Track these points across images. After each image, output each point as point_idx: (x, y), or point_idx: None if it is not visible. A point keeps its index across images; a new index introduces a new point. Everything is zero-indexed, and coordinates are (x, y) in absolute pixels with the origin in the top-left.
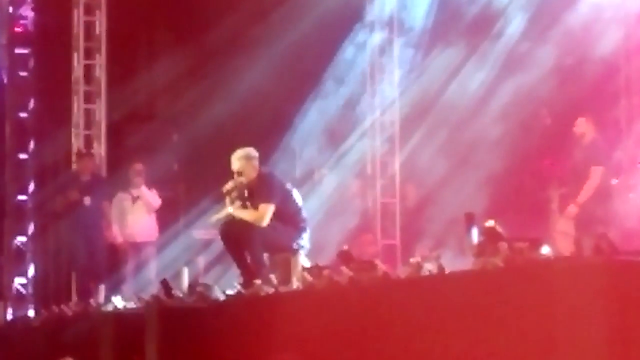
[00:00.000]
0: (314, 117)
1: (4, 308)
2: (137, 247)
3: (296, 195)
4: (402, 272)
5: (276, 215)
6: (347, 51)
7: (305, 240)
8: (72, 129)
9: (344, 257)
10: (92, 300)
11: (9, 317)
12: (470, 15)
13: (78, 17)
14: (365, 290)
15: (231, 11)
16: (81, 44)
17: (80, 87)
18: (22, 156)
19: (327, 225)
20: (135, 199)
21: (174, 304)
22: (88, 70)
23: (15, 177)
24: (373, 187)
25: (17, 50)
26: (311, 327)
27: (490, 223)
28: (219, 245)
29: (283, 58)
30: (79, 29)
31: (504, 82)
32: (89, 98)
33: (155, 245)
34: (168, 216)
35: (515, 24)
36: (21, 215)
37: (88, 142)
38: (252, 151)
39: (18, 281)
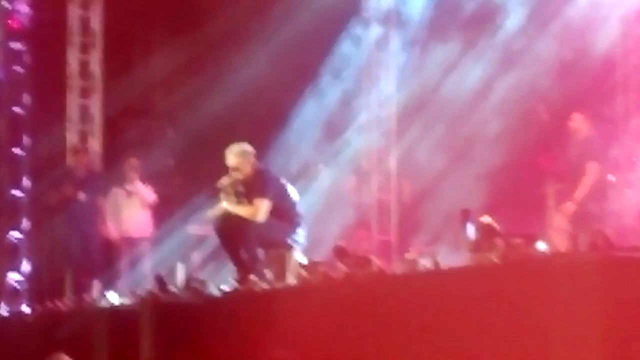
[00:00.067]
0: (310, 112)
1: None
2: (131, 242)
3: (292, 190)
4: (397, 267)
5: (271, 211)
6: (344, 46)
7: (300, 235)
8: (67, 124)
9: (340, 253)
10: (86, 296)
11: (3, 312)
12: (468, 10)
13: (73, 12)
14: (360, 286)
15: (227, 6)
16: (76, 38)
17: (75, 82)
18: (17, 151)
19: (322, 221)
20: (130, 194)
21: (168, 300)
22: (83, 65)
23: (10, 173)
24: (369, 182)
25: (12, 45)
26: (306, 322)
27: (486, 219)
28: (214, 240)
29: (279, 53)
30: (74, 24)
31: (501, 77)
32: (84, 93)
33: (150, 240)
34: (163, 211)
35: (513, 20)
36: (15, 211)
37: (83, 137)
38: (248, 146)
39: (12, 277)
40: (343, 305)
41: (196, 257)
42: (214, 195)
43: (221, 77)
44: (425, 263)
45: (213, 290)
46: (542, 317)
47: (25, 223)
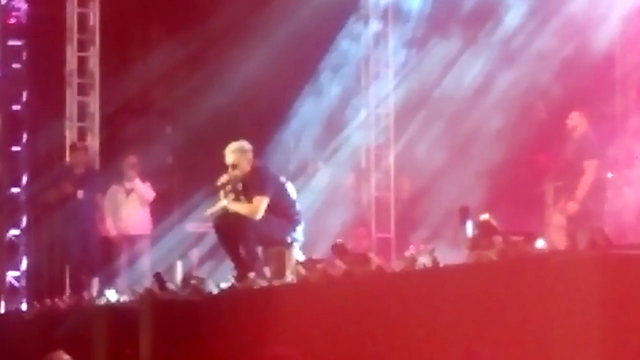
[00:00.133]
0: (309, 109)
1: None
2: (130, 240)
3: (290, 188)
4: (396, 265)
5: (270, 208)
6: (343, 42)
7: (299, 233)
8: (66, 122)
9: (338, 250)
10: (85, 294)
11: (2, 310)
12: (467, 6)
13: (72, 8)
14: (359, 283)
15: (225, 3)
16: (75, 35)
17: (74, 79)
18: (15, 149)
19: (321, 219)
20: (129, 192)
21: (167, 297)
22: (82, 62)
23: (8, 170)
24: (367, 180)
25: (10, 42)
26: (305, 320)
27: (484, 216)
28: (212, 238)
29: (277, 50)
30: (72, 21)
31: (500, 74)
32: (82, 90)
33: (148, 238)
34: (162, 209)
35: (512, 16)
36: (14, 208)
37: (82, 134)
38: (246, 144)
39: (11, 274)
40: (342, 303)
41: (195, 254)
42: (213, 192)
43: (220, 74)
44: (424, 261)
45: (212, 288)
46: (540, 315)
47: (24, 221)
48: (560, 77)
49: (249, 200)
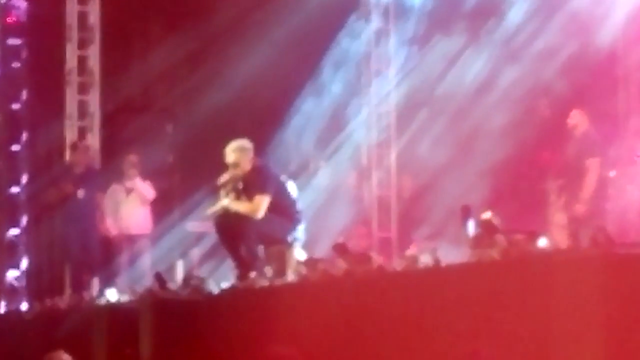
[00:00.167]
0: (310, 108)
1: None
2: (131, 239)
3: (291, 187)
4: (397, 264)
5: (271, 208)
6: (344, 40)
7: (300, 232)
8: (66, 121)
9: (340, 250)
10: (85, 293)
11: (2, 310)
12: (468, 3)
13: (71, 7)
14: (360, 282)
15: (226, 1)
16: (75, 34)
17: (73, 78)
18: (15, 148)
19: (322, 218)
20: (129, 191)
21: (168, 297)
22: (82, 61)
23: (8, 169)
24: (369, 178)
25: (10, 41)
26: (306, 319)
27: (486, 215)
28: (213, 237)
29: (278, 48)
30: (72, 19)
31: (502, 72)
32: (82, 89)
33: (149, 237)
34: (162, 208)
35: (515, 13)
36: (14, 208)
37: (82, 133)
38: (247, 143)
39: (11, 274)
40: (343, 302)
41: (196, 254)
42: (214, 192)
43: (220, 72)
44: (425, 260)
45: (212, 288)
46: (543, 314)
47: (24, 220)
48: (563, 75)
49: (250, 199)
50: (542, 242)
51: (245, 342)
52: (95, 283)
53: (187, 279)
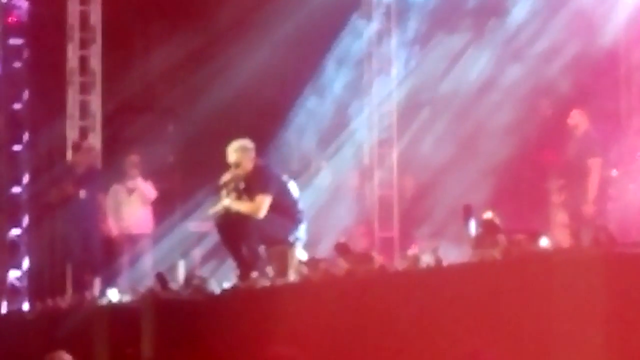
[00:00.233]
0: (312, 107)
1: None
2: (132, 239)
3: (293, 187)
4: (399, 264)
5: (273, 207)
6: (346, 40)
7: (301, 232)
8: (67, 120)
9: (341, 250)
10: (87, 293)
11: (4, 310)
12: (470, 1)
13: (73, 7)
14: (361, 282)
15: (227, 1)
16: (76, 34)
17: (75, 78)
18: (17, 148)
19: (324, 217)
20: (130, 191)
21: (169, 297)
22: (83, 60)
23: (10, 169)
24: (371, 178)
25: (11, 41)
26: (308, 319)
27: (488, 215)
28: (215, 237)
29: (280, 48)
30: (74, 19)
31: (504, 71)
32: (84, 89)
33: (150, 237)
34: (164, 208)
35: (517, 13)
36: (15, 208)
37: (83, 133)
38: (249, 143)
39: (12, 274)
40: (344, 302)
41: (197, 254)
42: (215, 191)
43: (222, 72)
44: (427, 259)
45: (214, 288)
46: (544, 313)
47: (25, 220)
48: (565, 74)
49: (251, 199)
50: (544, 242)
51: (247, 342)
52: (97, 283)
53: (188, 279)
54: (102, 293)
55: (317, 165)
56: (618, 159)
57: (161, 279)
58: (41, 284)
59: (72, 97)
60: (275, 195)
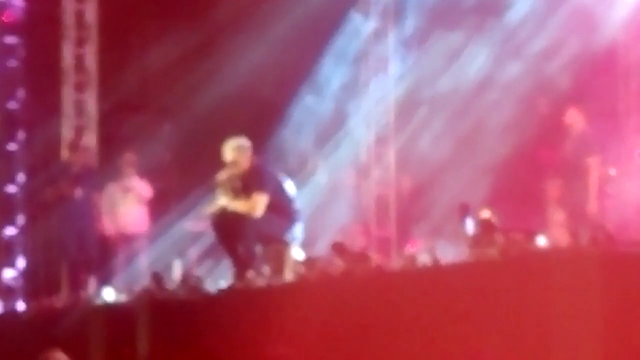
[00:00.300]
0: (308, 105)
1: None
2: (128, 238)
3: (289, 186)
4: (396, 263)
5: (269, 206)
6: (343, 37)
7: (298, 231)
8: (63, 119)
9: (338, 249)
10: (82, 293)
11: None
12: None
13: (68, 5)
14: (358, 282)
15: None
16: (72, 32)
17: (70, 77)
18: (11, 147)
19: (321, 216)
20: (126, 190)
21: (165, 297)
22: (79, 59)
23: (4, 168)
24: (367, 177)
25: (7, 40)
26: (304, 319)
27: (485, 214)
28: (211, 236)
29: (277, 46)
30: (69, 18)
31: (502, 69)
32: (79, 88)
33: (146, 236)
34: (160, 207)
35: (515, 10)
36: (10, 207)
37: (79, 132)
38: (245, 141)
39: (7, 274)
40: (341, 302)
41: (193, 253)
42: (211, 190)
43: (218, 70)
44: (424, 259)
45: (210, 287)
46: (542, 312)
47: (21, 219)
48: (563, 72)
49: (248, 198)
50: (541, 241)
51: (243, 341)
52: (93, 282)
53: (184, 278)
54: (98, 292)
55: (314, 164)
56: (616, 158)
57: (157, 278)
58: (36, 283)
59: (68, 96)
60: (271, 194)
